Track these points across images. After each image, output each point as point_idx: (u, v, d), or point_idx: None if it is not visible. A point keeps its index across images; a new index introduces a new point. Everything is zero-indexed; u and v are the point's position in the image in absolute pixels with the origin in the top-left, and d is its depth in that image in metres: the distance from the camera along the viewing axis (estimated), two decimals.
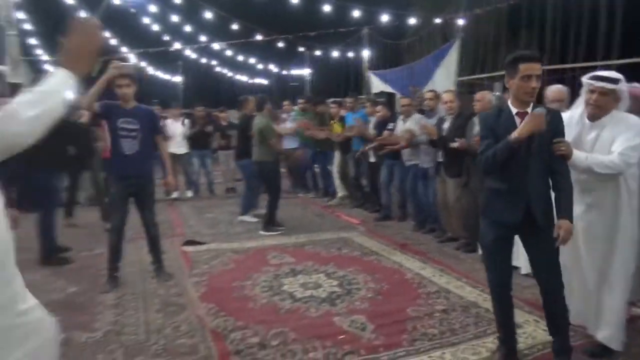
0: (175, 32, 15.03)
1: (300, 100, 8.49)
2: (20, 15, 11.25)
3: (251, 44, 14.45)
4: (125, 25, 14.50)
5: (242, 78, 22.67)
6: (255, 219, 6.20)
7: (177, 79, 23.54)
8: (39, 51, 14.28)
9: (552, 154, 2.45)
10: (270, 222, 5.78)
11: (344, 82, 19.16)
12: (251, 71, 21.36)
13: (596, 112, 2.67)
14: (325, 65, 19.26)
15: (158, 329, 3.10)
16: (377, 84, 14.59)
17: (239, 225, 6.17)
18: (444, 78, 11.54)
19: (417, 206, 5.75)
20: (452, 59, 11.54)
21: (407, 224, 5.99)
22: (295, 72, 21.85)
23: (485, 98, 4.78)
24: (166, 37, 15.30)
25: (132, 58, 16.74)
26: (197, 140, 8.24)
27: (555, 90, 3.76)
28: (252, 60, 18.28)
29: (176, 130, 8.07)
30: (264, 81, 24.32)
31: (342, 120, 7.35)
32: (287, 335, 3.03)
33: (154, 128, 4.11)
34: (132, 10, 12.84)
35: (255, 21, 13.10)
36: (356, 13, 12.58)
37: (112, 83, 3.81)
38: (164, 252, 4.79)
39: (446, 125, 4.99)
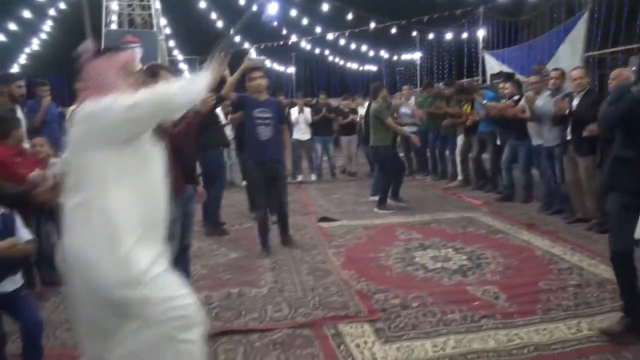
0: (292, 25, 15.85)
1: (431, 87, 8.65)
2: (163, 20, 12.69)
3: (364, 32, 14.77)
4: (247, 21, 15.60)
5: (353, 66, 23.09)
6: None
7: (291, 69, 24.57)
8: (175, 51, 15.93)
9: None
10: (384, 202, 6.14)
11: (457, 64, 18.72)
12: (362, 58, 21.69)
13: None
14: (437, 48, 18.95)
15: (311, 288, 3.63)
16: (493, 65, 14.11)
17: (364, 204, 6.60)
18: (569, 54, 10.89)
19: (546, 186, 5.72)
20: (579, 33, 10.84)
21: (532, 205, 5.97)
22: (405, 57, 21.74)
23: (621, 75, 4.62)
24: (283, 31, 16.18)
25: (253, 52, 18.01)
26: (319, 127, 8.82)
27: None
28: (364, 48, 18.62)
29: (300, 118, 8.74)
30: (373, 67, 24.52)
31: (472, 102, 7.36)
32: (425, 299, 3.37)
33: (281, 118, 4.66)
34: (270, 21, 13.85)
35: (369, 9, 13.38)
36: None
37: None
38: (304, 227, 5.42)
39: (575, 102, 4.92)
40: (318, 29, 15.52)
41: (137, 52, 2.01)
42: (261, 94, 4.45)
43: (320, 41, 17.98)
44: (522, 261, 4.07)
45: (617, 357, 2.54)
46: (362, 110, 8.84)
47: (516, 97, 6.08)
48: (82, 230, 1.70)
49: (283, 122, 4.71)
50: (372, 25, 13.70)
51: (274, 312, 3.25)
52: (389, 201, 6.19)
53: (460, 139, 7.40)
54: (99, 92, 1.75)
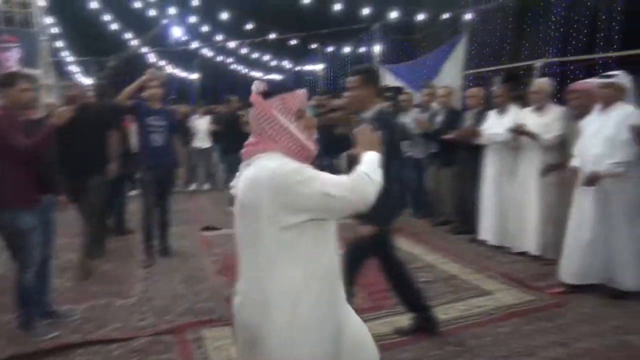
0: (194, 32, 15.65)
1: (315, 97, 8.98)
2: (48, 19, 11.93)
3: (265, 42, 14.97)
4: (146, 26, 15.15)
5: (257, 74, 23.20)
6: None
7: (194, 76, 24.08)
8: (64, 53, 15.02)
9: None
10: None
11: None
12: (265, 68, 21.91)
13: None
14: (338, 60, 19.68)
15: (182, 295, 3.69)
16: (389, 79, 14.98)
17: None
18: (453, 71, 11.91)
19: (412, 194, 6.24)
20: (459, 52, 11.89)
21: (406, 212, 6.47)
22: (308, 67, 22.30)
23: (477, 95, 5.23)
24: (184, 37, 15.92)
25: (152, 57, 17.47)
26: (219, 136, 8.83)
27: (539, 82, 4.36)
28: (266, 57, 18.86)
29: (200, 127, 8.71)
30: (278, 77, 24.82)
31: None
32: None
33: (174, 126, 4.76)
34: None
35: (269, 20, 13.63)
36: (366, 10, 13.04)
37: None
38: (185, 236, 5.43)
39: (439, 118, 5.47)
40: (219, 37, 15.47)
41: (302, 93, 1.66)
42: (156, 103, 4.51)
43: (223, 49, 17.91)
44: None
45: (442, 342, 2.92)
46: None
47: None
48: (258, 305, 1.56)
49: (175, 131, 4.80)
50: (272, 36, 13.95)
51: (138, 321, 3.28)
52: None
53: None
54: (271, 143, 1.58)
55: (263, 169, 1.52)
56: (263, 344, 1.55)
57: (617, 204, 3.41)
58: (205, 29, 14.75)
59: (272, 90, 1.59)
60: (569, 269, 3.62)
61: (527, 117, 4.37)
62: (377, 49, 16.68)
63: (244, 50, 17.01)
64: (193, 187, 8.71)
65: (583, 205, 3.53)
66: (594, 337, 2.95)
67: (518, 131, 4.25)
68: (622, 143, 3.31)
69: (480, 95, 5.22)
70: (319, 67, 21.16)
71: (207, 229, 5.74)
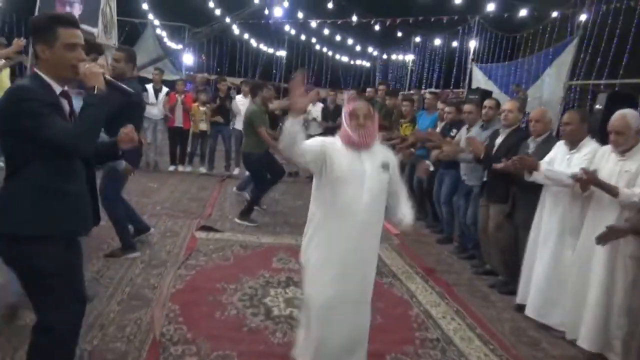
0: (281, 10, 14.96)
1: (369, 89, 7.95)
2: None
3: (348, 24, 13.94)
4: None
5: (343, 58, 22.24)
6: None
7: (281, 53, 23.68)
8: (150, 15, 14.97)
9: None
10: (248, 213, 5.46)
11: (446, 72, 17.97)
12: (351, 52, 20.89)
13: None
14: (428, 53, 18.16)
15: (101, 325, 2.88)
16: (479, 79, 13.39)
17: (268, 215, 5.85)
18: (554, 80, 10.24)
19: (460, 226, 5.01)
20: (566, 59, 10.16)
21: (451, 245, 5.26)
22: (397, 57, 20.93)
23: (545, 117, 3.86)
24: (266, 11, 15.32)
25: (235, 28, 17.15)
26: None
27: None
28: (350, 41, 17.81)
29: (243, 107, 7.98)
30: (366, 63, 23.70)
31: (413, 121, 6.49)
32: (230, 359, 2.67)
33: None
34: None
35: (352, 1, 12.58)
36: (459, 0, 11.54)
37: None
38: (176, 234, 4.71)
39: (499, 140, 4.19)
40: (300, 14, 14.67)
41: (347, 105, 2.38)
42: None
43: (306, 28, 17.14)
44: (388, 320, 3.35)
45: None
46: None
47: (453, 133, 5.27)
48: None
49: None
50: (354, 18, 12.87)
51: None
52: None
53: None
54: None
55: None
56: None
57: None
58: (285, 4, 14.02)
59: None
60: None
61: (607, 159, 3.06)
62: (472, 44, 15.05)
63: (326, 31, 16.06)
64: (236, 171, 8.04)
65: None
66: None
67: (585, 179, 2.95)
68: None
69: (547, 120, 3.83)
70: (408, 57, 19.70)
71: (204, 229, 4.93)
